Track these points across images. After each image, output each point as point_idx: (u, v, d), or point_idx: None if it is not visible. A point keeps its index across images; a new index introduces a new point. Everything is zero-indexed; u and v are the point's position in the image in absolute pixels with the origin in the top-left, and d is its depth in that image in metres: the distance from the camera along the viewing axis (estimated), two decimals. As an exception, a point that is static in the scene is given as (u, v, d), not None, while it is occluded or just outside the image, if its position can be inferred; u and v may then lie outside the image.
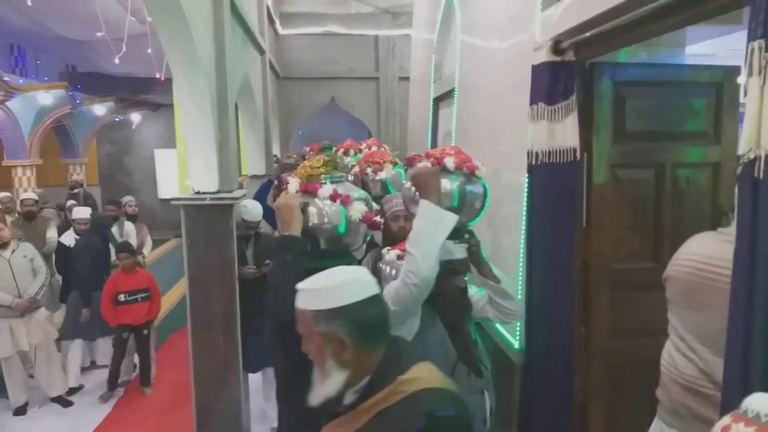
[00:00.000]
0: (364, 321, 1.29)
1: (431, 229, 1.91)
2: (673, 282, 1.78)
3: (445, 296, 2.06)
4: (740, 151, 1.28)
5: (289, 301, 1.77)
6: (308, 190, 2.00)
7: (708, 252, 1.66)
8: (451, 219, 1.93)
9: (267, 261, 4.09)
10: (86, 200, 9.16)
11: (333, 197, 1.98)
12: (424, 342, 2.03)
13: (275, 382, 2.24)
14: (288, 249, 1.85)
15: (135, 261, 4.95)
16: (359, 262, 2.32)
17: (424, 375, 1.28)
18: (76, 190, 9.55)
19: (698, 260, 1.68)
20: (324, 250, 1.98)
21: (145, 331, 4.93)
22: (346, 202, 1.99)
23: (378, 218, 2.16)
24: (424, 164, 2.07)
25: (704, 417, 1.63)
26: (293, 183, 2.05)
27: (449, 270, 2.03)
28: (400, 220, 2.69)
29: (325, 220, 1.95)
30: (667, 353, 1.82)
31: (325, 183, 2.01)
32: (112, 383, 4.91)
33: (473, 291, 2.25)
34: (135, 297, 4.83)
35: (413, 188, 2.09)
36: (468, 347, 2.14)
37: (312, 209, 1.96)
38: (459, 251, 2.08)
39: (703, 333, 1.65)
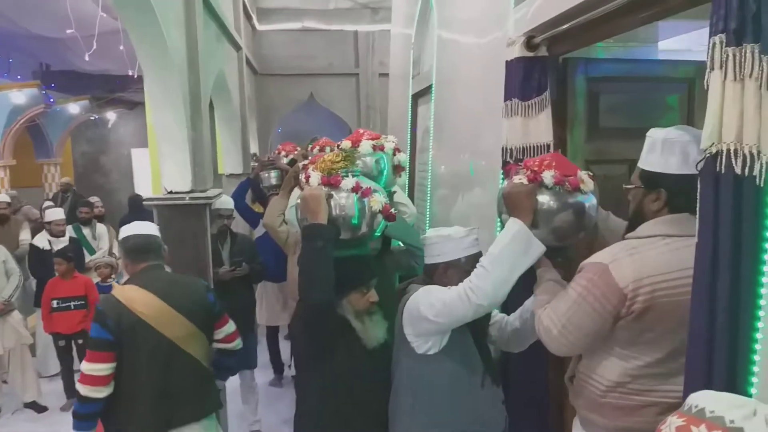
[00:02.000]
0: None
1: (516, 252, 1.75)
2: (673, 306, 1.54)
3: None
4: (702, 145, 1.28)
5: (320, 286, 1.95)
6: (330, 183, 2.14)
7: (671, 266, 1.55)
8: (539, 249, 1.77)
9: (241, 262, 4.05)
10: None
11: (355, 189, 2.13)
12: (457, 355, 2.00)
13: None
14: (318, 236, 1.98)
15: (70, 267, 4.68)
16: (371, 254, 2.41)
17: None
18: (68, 193, 9.40)
19: (673, 277, 1.54)
20: (341, 240, 2.10)
21: (80, 341, 4.60)
22: (367, 193, 2.14)
23: None
24: (519, 180, 1.86)
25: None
26: (315, 176, 2.18)
27: (473, 266, 1.97)
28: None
29: (342, 212, 2.10)
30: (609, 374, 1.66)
31: (347, 176, 2.16)
32: (69, 391, 4.64)
33: None
34: (68, 304, 4.63)
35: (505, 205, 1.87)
36: (490, 356, 2.12)
37: (331, 201, 2.11)
38: None
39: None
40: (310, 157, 3.86)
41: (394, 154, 2.83)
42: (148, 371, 2.33)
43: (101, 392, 2.27)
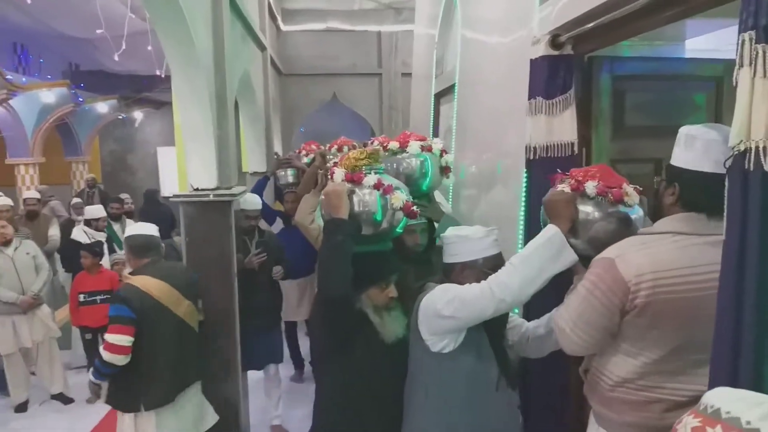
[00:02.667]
0: None
1: (547, 255, 1.76)
2: (674, 303, 1.55)
3: None
4: (731, 143, 1.26)
5: (338, 279, 1.98)
6: (353, 179, 2.20)
7: (698, 260, 1.54)
8: (570, 258, 1.77)
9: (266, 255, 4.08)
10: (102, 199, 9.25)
11: (377, 186, 2.18)
12: (471, 355, 1.98)
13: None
14: (339, 231, 2.03)
15: (95, 261, 4.78)
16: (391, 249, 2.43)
17: None
18: (93, 189, 9.63)
19: (700, 271, 1.53)
20: (362, 236, 2.16)
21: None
22: (388, 191, 2.19)
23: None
24: (562, 187, 1.87)
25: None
26: (339, 173, 2.25)
27: (491, 268, 1.97)
28: (416, 235, 2.66)
29: (365, 208, 2.15)
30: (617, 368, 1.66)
31: (369, 173, 2.22)
32: None
33: None
34: (94, 298, 4.71)
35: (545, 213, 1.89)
36: (507, 359, 2.10)
37: (354, 197, 2.16)
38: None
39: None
40: (330, 157, 3.90)
41: (441, 156, 2.87)
42: (166, 344, 2.82)
43: (121, 361, 2.71)
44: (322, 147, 4.74)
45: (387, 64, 9.19)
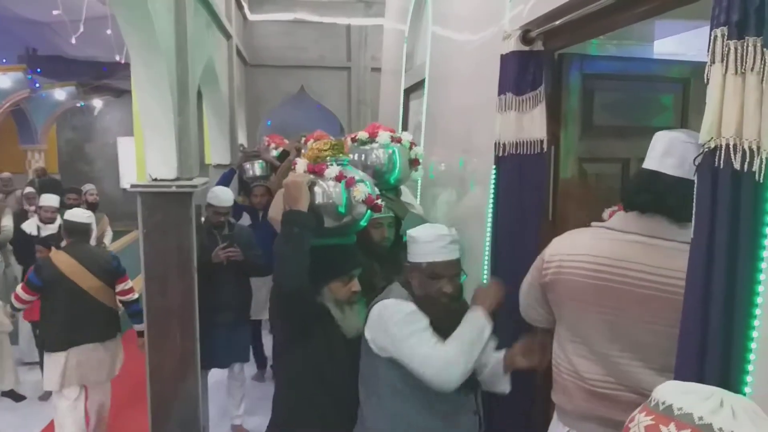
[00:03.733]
0: None
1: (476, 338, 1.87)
2: (568, 284, 1.69)
3: (433, 303, 1.93)
4: (701, 140, 1.25)
5: (293, 272, 1.92)
6: (315, 171, 2.15)
7: (605, 252, 1.61)
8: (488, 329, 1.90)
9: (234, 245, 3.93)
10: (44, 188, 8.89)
11: (339, 178, 2.13)
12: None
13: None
14: (295, 223, 1.98)
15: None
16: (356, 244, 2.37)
17: None
18: (42, 178, 9.24)
19: (599, 261, 1.61)
20: (325, 228, 2.10)
21: None
22: (350, 183, 2.14)
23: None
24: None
25: (613, 420, 1.57)
26: (301, 164, 2.20)
27: (431, 275, 1.93)
28: (383, 229, 2.60)
29: (328, 200, 2.11)
30: (565, 359, 1.74)
31: (332, 165, 2.16)
32: None
33: None
34: None
35: None
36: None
37: (317, 189, 2.11)
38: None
39: (617, 335, 1.59)
40: (304, 151, 3.81)
41: (410, 148, 2.84)
42: (59, 305, 3.58)
43: (22, 307, 3.79)
44: (287, 141, 4.63)
45: (356, 58, 9.10)
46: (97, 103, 13.01)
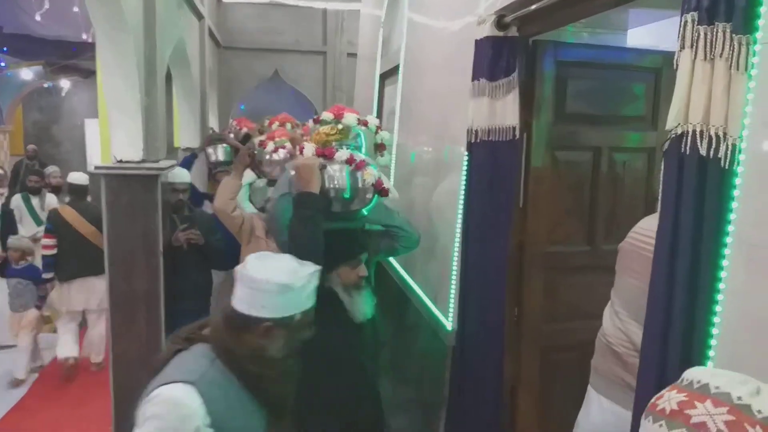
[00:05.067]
0: None
1: None
2: (619, 252, 1.86)
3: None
4: (668, 125, 1.25)
5: (311, 253, 1.86)
6: (324, 154, 2.16)
7: (645, 224, 1.74)
8: None
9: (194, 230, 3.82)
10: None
11: (349, 161, 2.15)
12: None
13: None
14: (308, 205, 2.01)
15: None
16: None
17: None
18: (34, 161, 9.03)
19: (637, 231, 1.77)
20: (333, 212, 2.12)
21: None
22: (360, 166, 2.15)
23: None
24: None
25: (624, 381, 1.70)
26: (308, 147, 2.19)
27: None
28: None
29: (334, 184, 2.13)
30: (604, 319, 1.89)
31: (341, 148, 2.18)
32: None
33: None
34: None
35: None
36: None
37: (324, 172, 2.13)
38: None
39: (624, 296, 1.77)
40: (266, 133, 3.71)
41: (377, 132, 2.76)
42: (67, 246, 4.56)
43: (50, 251, 4.60)
44: (257, 124, 4.52)
45: (332, 42, 8.97)
46: (65, 83, 12.59)
